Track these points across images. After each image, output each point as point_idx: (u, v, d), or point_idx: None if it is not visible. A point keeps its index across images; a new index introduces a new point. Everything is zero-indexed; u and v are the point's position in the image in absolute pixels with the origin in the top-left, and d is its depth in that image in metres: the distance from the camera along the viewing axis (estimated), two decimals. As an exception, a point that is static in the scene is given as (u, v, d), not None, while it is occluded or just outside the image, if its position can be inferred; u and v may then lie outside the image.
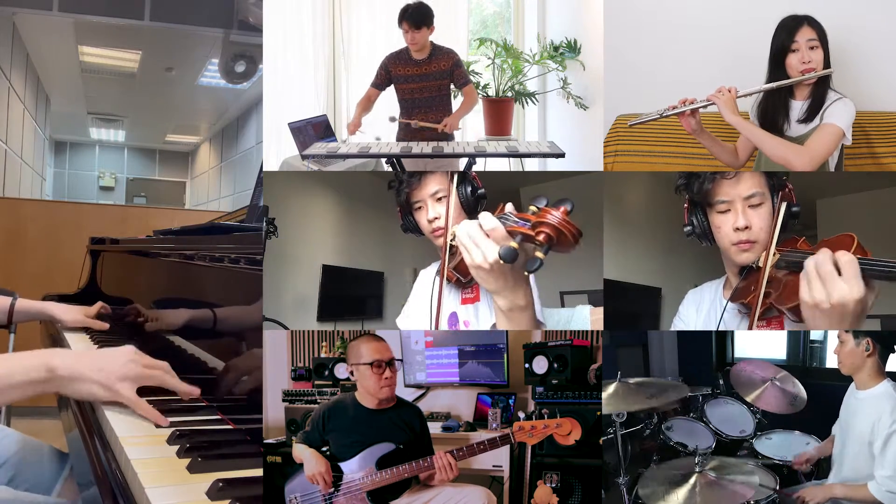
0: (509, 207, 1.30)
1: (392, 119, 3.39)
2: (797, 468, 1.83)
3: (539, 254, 1.12)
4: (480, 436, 2.25)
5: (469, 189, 1.62)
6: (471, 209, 1.63)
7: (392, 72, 3.34)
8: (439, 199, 1.64)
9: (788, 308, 1.24)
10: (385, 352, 1.78)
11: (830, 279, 1.10)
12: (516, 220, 1.20)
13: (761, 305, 1.31)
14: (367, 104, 3.41)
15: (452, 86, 3.41)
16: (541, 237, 1.13)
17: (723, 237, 1.43)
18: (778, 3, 2.31)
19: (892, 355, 1.63)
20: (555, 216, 1.13)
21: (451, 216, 1.59)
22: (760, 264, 1.34)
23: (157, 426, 1.26)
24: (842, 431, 1.66)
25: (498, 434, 1.70)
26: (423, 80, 3.32)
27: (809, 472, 1.83)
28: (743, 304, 1.39)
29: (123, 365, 1.29)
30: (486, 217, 1.22)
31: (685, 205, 1.48)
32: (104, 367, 1.27)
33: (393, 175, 1.71)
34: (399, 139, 3.38)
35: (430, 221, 1.63)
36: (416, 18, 3.18)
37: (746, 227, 1.39)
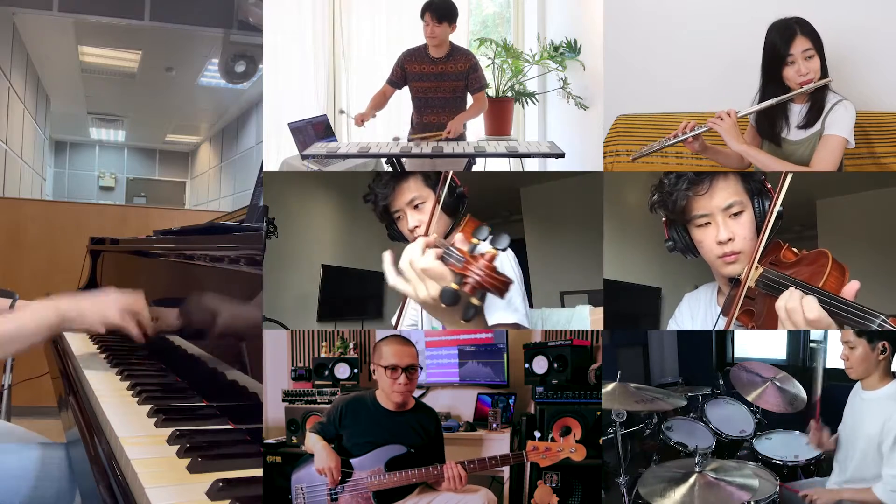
0: (458, 239, 1.12)
1: (396, 139, 3.33)
2: (810, 444, 1.81)
3: (475, 301, 1.01)
4: (491, 447, 2.25)
5: (447, 189, 1.57)
6: (452, 211, 1.63)
7: (407, 69, 3.27)
8: (416, 206, 1.63)
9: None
10: (404, 357, 1.75)
11: (803, 325, 1.16)
12: (459, 257, 1.05)
13: (750, 323, 1.30)
14: (381, 100, 3.36)
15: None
16: (466, 288, 1.01)
17: (707, 251, 1.39)
18: (778, 3, 2.30)
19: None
20: (478, 270, 1.00)
21: (433, 224, 1.55)
22: (742, 276, 1.32)
23: (137, 342, 1.67)
24: (846, 433, 1.64)
25: (512, 453, 1.70)
26: (439, 79, 3.27)
27: (810, 471, 1.83)
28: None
29: (114, 301, 1.64)
30: (423, 252, 1.08)
31: (663, 219, 1.44)
32: (98, 304, 1.62)
33: (367, 188, 1.68)
34: (411, 138, 3.35)
35: (411, 231, 1.62)
36: (441, 11, 3.12)
37: (730, 239, 1.36)
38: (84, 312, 1.57)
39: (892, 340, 1.53)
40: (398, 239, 1.69)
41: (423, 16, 3.16)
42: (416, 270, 1.08)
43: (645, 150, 2.36)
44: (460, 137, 3.31)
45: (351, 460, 1.68)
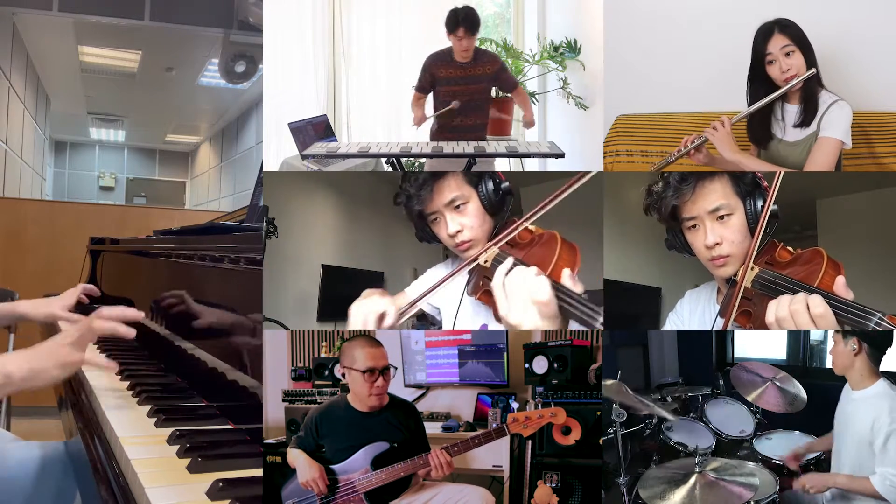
0: (567, 276, 1.29)
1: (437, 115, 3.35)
2: (788, 465, 1.82)
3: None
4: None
5: (491, 186, 1.46)
6: (496, 210, 1.48)
7: (435, 73, 3.27)
8: (458, 207, 1.45)
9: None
10: (380, 359, 1.72)
11: (805, 325, 1.16)
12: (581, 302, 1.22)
13: (748, 324, 1.30)
14: (420, 103, 3.36)
15: (495, 89, 3.39)
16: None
17: (698, 253, 1.39)
18: (778, 3, 2.30)
19: (885, 356, 1.62)
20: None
21: (475, 226, 1.46)
22: (738, 279, 1.31)
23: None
24: (839, 433, 1.65)
25: (493, 429, 1.66)
26: (466, 82, 3.27)
27: (810, 471, 1.83)
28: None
29: (66, 345, 1.37)
30: (542, 287, 1.21)
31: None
32: (52, 354, 1.35)
33: (398, 188, 1.50)
34: (433, 138, 3.33)
35: (451, 236, 1.46)
36: (471, 24, 3.12)
37: (717, 244, 1.34)
38: (35, 370, 1.32)
39: (868, 339, 1.54)
40: (428, 240, 1.54)
41: (454, 30, 3.13)
42: (522, 296, 1.20)
43: (660, 163, 2.38)
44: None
45: (335, 466, 1.66)
